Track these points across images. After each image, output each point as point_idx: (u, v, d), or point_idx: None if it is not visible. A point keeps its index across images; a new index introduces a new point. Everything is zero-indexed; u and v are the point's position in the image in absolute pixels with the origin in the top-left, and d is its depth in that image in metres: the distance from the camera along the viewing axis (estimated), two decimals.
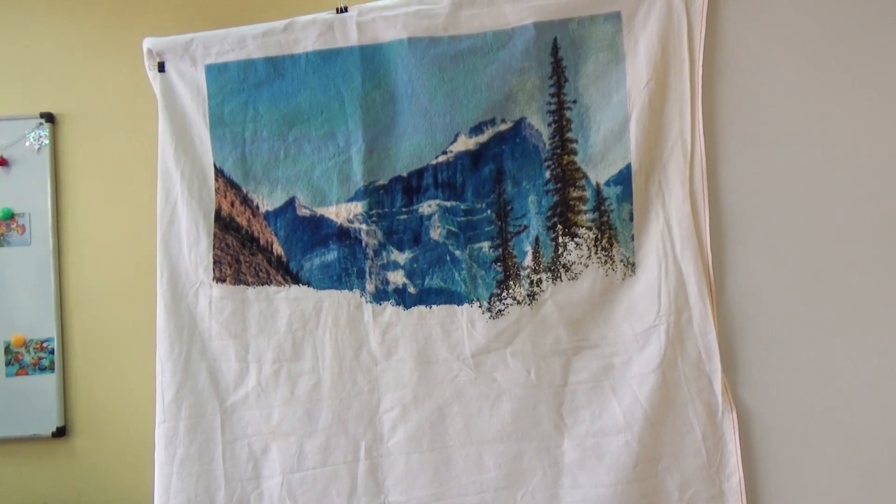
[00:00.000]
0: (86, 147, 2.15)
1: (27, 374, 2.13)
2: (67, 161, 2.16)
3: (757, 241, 1.54)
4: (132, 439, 2.08)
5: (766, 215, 1.54)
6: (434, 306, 1.66)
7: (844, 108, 1.51)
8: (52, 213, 2.13)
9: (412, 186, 1.66)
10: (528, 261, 1.62)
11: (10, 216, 2.13)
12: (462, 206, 1.65)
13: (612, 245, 1.58)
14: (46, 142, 2.14)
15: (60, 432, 2.11)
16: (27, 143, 2.14)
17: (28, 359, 2.13)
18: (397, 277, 1.68)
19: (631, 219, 1.57)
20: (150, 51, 1.75)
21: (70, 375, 2.14)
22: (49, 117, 2.14)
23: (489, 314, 1.63)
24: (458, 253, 1.65)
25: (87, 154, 2.15)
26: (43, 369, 2.13)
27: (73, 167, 2.16)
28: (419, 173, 1.66)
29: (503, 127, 1.62)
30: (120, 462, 2.10)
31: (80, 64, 2.16)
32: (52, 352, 2.12)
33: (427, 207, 1.66)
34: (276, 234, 1.72)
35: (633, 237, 1.58)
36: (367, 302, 1.68)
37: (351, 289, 1.69)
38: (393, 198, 1.68)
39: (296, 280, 1.70)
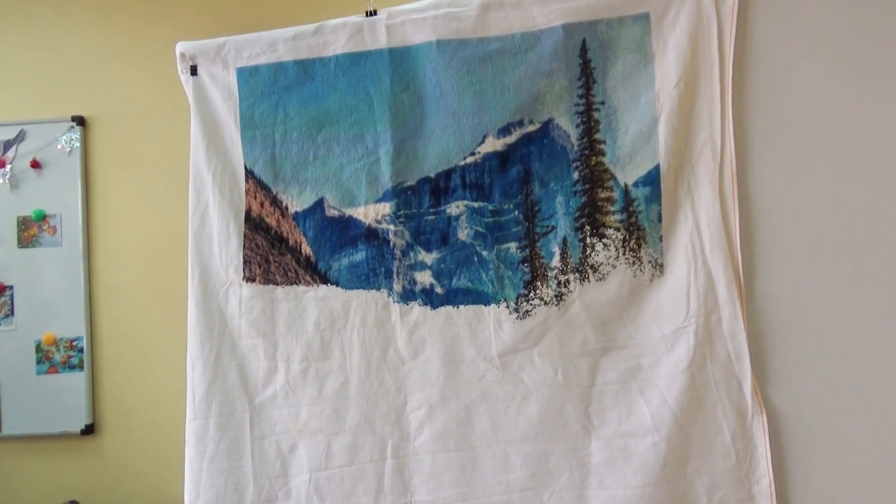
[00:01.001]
0: (116, 150, 2.19)
1: (57, 372, 2.16)
2: (98, 163, 2.19)
3: (787, 243, 1.54)
4: (160, 437, 2.11)
5: (797, 217, 1.53)
6: (461, 306, 1.66)
7: (874, 110, 1.50)
8: (82, 215, 2.17)
9: (440, 187, 1.68)
10: (555, 261, 1.62)
11: (42, 217, 2.17)
12: (490, 207, 1.66)
13: (640, 246, 1.58)
14: (78, 144, 2.18)
15: (89, 430, 2.14)
16: (59, 146, 2.18)
17: (58, 357, 2.16)
18: (425, 278, 1.69)
19: (659, 220, 1.57)
20: (182, 54, 1.78)
21: (99, 374, 2.17)
22: (80, 120, 2.18)
23: (516, 314, 1.64)
24: (485, 253, 1.66)
25: (117, 157, 2.19)
26: (72, 367, 2.16)
27: (104, 169, 2.19)
28: (447, 174, 1.67)
29: (531, 128, 1.63)
30: (147, 459, 2.12)
31: (111, 68, 2.20)
32: (81, 350, 2.16)
33: (455, 208, 1.67)
34: (305, 235, 1.74)
35: (661, 238, 1.58)
36: (394, 302, 1.69)
37: (378, 289, 1.70)
38: (421, 199, 1.69)
39: (324, 280, 1.72)
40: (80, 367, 2.15)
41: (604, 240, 1.60)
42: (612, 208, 1.60)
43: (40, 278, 2.17)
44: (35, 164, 2.17)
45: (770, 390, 1.54)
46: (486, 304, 1.65)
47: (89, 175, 2.19)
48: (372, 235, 1.70)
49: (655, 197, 1.57)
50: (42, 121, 2.19)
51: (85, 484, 2.15)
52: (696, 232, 1.55)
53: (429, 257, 1.69)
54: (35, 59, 2.21)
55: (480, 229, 1.66)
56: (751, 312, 1.55)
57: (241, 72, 1.75)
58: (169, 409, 2.06)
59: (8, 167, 2.16)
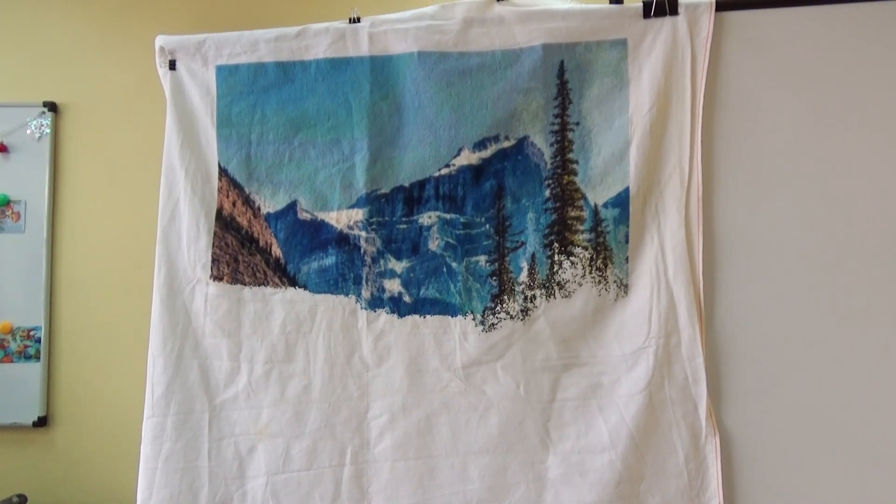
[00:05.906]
0: (88, 138, 2.16)
1: (12, 361, 2.12)
2: (68, 151, 2.16)
3: (747, 270, 1.58)
4: (114, 433, 2.08)
5: (758, 245, 1.58)
6: (428, 316, 1.67)
7: (839, 144, 1.55)
8: (48, 203, 2.14)
9: (413, 197, 1.69)
10: (523, 277, 1.64)
11: (6, 202, 2.13)
12: (461, 220, 1.67)
13: (606, 266, 1.61)
14: (48, 131, 2.14)
15: (42, 422, 2.09)
16: (28, 131, 2.14)
17: (14, 346, 2.12)
18: (393, 286, 1.69)
19: (626, 241, 1.61)
20: (162, 48, 1.77)
21: (55, 366, 2.13)
22: (52, 106, 2.15)
23: (482, 327, 1.65)
24: (454, 265, 1.67)
25: (87, 145, 2.16)
26: (28, 357, 2.12)
27: (73, 158, 2.16)
28: (421, 184, 1.68)
29: (506, 144, 1.65)
30: (101, 455, 2.09)
31: (86, 55, 2.17)
32: (38, 341, 2.12)
33: (427, 218, 1.69)
34: (276, 237, 1.73)
35: (627, 259, 1.61)
36: (361, 308, 1.70)
37: (347, 294, 1.70)
38: (394, 207, 1.70)
39: (292, 282, 1.72)
40: (37, 357, 2.11)
41: (571, 258, 1.63)
42: (582, 227, 1.63)
43: (0, 265, 2.13)
44: (2, 148, 2.13)
45: (724, 413, 1.58)
46: (453, 315, 1.66)
47: (58, 162, 2.16)
48: (343, 241, 1.71)
49: (624, 219, 1.60)
50: (12, 104, 2.15)
51: (34, 478, 2.10)
52: (661, 255, 1.59)
53: (398, 266, 1.70)
54: (8, 41, 2.17)
55: (451, 241, 1.68)
56: (709, 336, 1.58)
57: (221, 70, 1.75)
58: (126, 405, 2.03)
59: None
